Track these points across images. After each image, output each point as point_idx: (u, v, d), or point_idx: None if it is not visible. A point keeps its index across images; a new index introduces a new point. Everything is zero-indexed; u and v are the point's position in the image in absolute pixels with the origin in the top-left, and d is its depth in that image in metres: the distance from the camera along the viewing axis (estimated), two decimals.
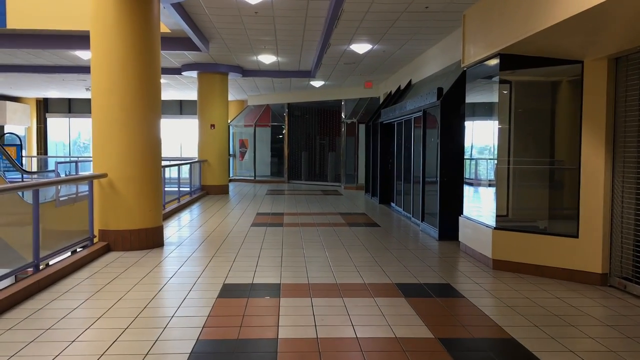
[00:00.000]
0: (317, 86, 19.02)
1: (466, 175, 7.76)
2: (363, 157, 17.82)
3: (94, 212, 7.33)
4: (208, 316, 4.56)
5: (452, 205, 8.23)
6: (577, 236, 5.83)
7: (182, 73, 15.97)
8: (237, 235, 8.77)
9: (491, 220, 6.62)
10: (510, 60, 6.29)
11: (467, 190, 7.65)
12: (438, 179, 8.39)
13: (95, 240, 7.36)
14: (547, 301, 5.13)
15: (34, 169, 22.68)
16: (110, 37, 7.20)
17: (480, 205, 7.54)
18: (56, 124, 26.52)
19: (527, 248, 6.17)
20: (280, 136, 22.96)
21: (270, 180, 22.07)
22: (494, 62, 6.50)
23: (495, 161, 6.59)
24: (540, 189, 6.65)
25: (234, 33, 11.31)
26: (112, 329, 4.23)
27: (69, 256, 6.54)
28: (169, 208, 11.60)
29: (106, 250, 7.23)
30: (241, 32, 11.21)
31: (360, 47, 11.79)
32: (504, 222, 6.53)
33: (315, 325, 4.32)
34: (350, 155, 19.95)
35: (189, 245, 7.83)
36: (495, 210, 6.53)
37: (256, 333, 4.20)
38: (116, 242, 7.31)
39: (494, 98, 6.80)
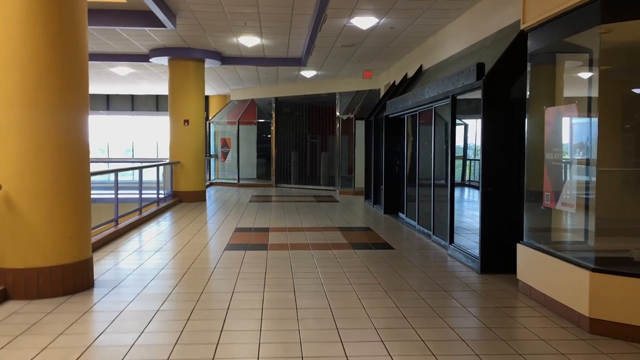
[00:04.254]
0: (309, 77, 16.67)
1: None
2: (361, 157, 15.51)
3: None
4: None
5: (501, 226, 5.97)
6: None
7: (151, 60, 13.55)
8: (203, 267, 6.41)
9: (583, 256, 4.34)
10: (621, 4, 4.01)
11: (529, 207, 5.34)
12: (480, 188, 6.09)
13: None
14: None
15: None
16: None
17: (548, 228, 5.25)
18: None
19: None
20: (267, 135, 20.59)
21: (255, 184, 19.67)
22: (589, 10, 4.21)
23: (588, 165, 4.30)
24: None
25: (205, 2, 8.93)
26: None
27: None
28: (124, 223, 9.20)
29: (1, 298, 4.85)
30: (214, 1, 8.85)
31: (364, 21, 9.46)
32: (602, 255, 4.24)
33: None
34: (345, 155, 17.63)
35: (130, 287, 5.46)
36: (594, 242, 4.23)
37: None
38: (16, 286, 4.92)
39: (585, 69, 4.52)
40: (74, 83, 5.17)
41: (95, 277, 5.73)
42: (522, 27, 5.23)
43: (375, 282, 5.69)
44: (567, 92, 5.13)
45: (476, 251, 6.37)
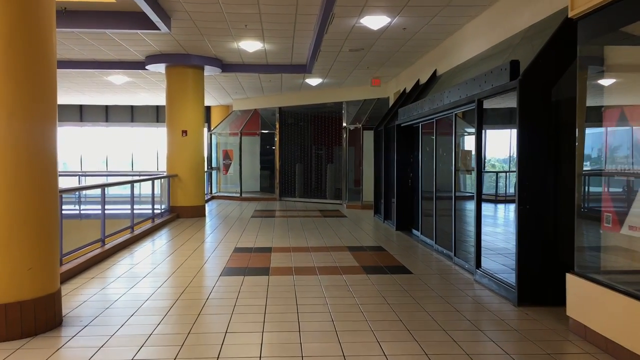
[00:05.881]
0: (314, 85, 15.88)
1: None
2: (369, 169, 14.65)
3: None
4: None
5: (542, 250, 5.09)
6: None
7: (147, 67, 12.79)
8: (194, 297, 5.55)
9: None
10: None
11: (581, 229, 4.45)
12: (516, 205, 5.22)
13: None
14: None
15: None
16: None
17: (606, 255, 4.37)
18: None
19: None
20: (271, 146, 19.77)
21: (258, 198, 18.81)
22: None
23: None
24: None
25: (202, 0, 8.15)
26: None
27: None
28: (112, 243, 8.35)
29: None
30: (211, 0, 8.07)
31: (375, 21, 8.66)
32: None
33: None
34: (353, 167, 16.78)
35: (104, 325, 4.60)
36: None
37: None
38: None
39: None
40: (38, 89, 4.34)
41: (66, 312, 4.89)
42: (570, 14, 4.39)
43: (396, 318, 4.81)
44: (630, 93, 4.28)
45: (509, 277, 5.50)
